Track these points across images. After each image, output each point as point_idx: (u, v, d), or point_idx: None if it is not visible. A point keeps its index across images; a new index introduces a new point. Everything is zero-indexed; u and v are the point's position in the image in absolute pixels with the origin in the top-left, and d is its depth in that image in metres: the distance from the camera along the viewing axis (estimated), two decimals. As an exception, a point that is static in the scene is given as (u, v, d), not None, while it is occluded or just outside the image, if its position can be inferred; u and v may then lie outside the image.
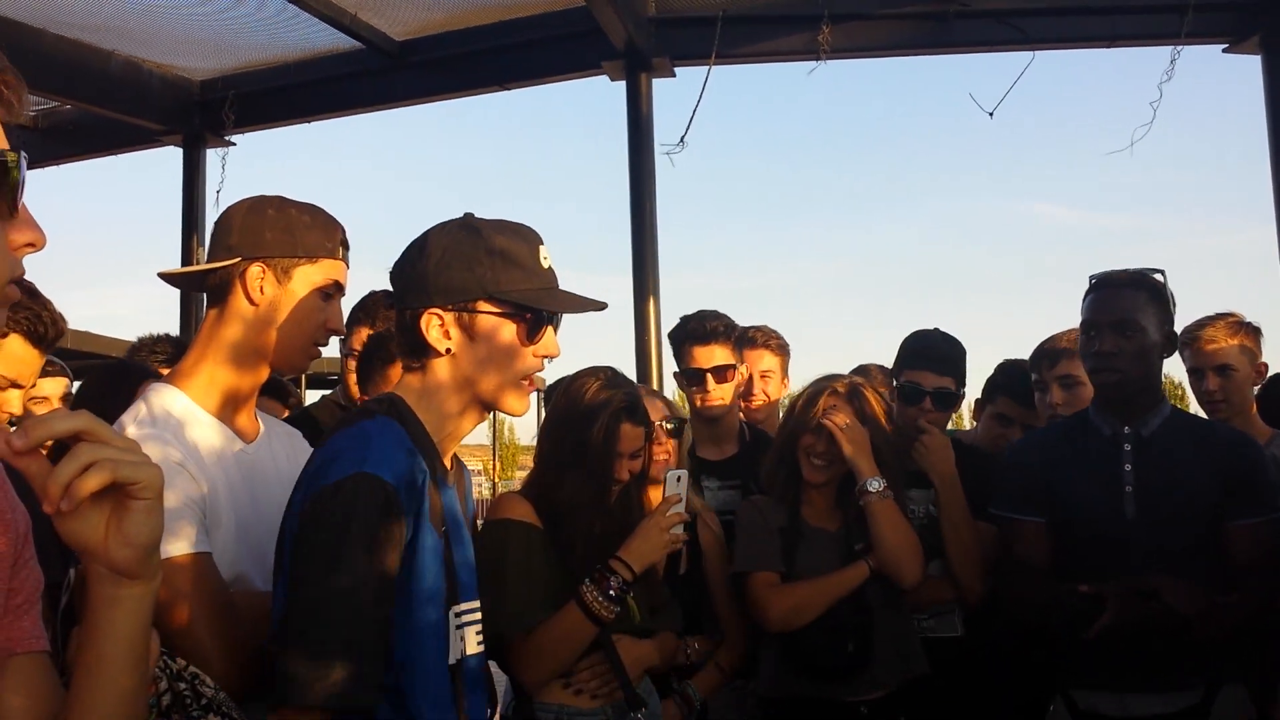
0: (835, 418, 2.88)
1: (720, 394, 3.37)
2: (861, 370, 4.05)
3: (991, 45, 4.93)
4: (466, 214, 1.86)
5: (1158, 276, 2.80)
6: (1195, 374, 3.48)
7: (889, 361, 3.42)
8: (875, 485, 2.84)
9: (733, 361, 3.40)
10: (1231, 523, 2.68)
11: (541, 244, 1.85)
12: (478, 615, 1.88)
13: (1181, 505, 2.69)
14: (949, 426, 3.35)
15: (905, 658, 2.88)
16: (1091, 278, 2.86)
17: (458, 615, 1.81)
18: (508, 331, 1.79)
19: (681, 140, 5.03)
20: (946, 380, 3.16)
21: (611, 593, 2.37)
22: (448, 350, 1.79)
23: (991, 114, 5.13)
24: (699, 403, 3.40)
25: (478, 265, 1.77)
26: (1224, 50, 4.84)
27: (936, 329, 3.29)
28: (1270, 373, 3.58)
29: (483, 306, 1.78)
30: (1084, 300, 2.83)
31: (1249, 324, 3.48)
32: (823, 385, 2.99)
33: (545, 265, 1.83)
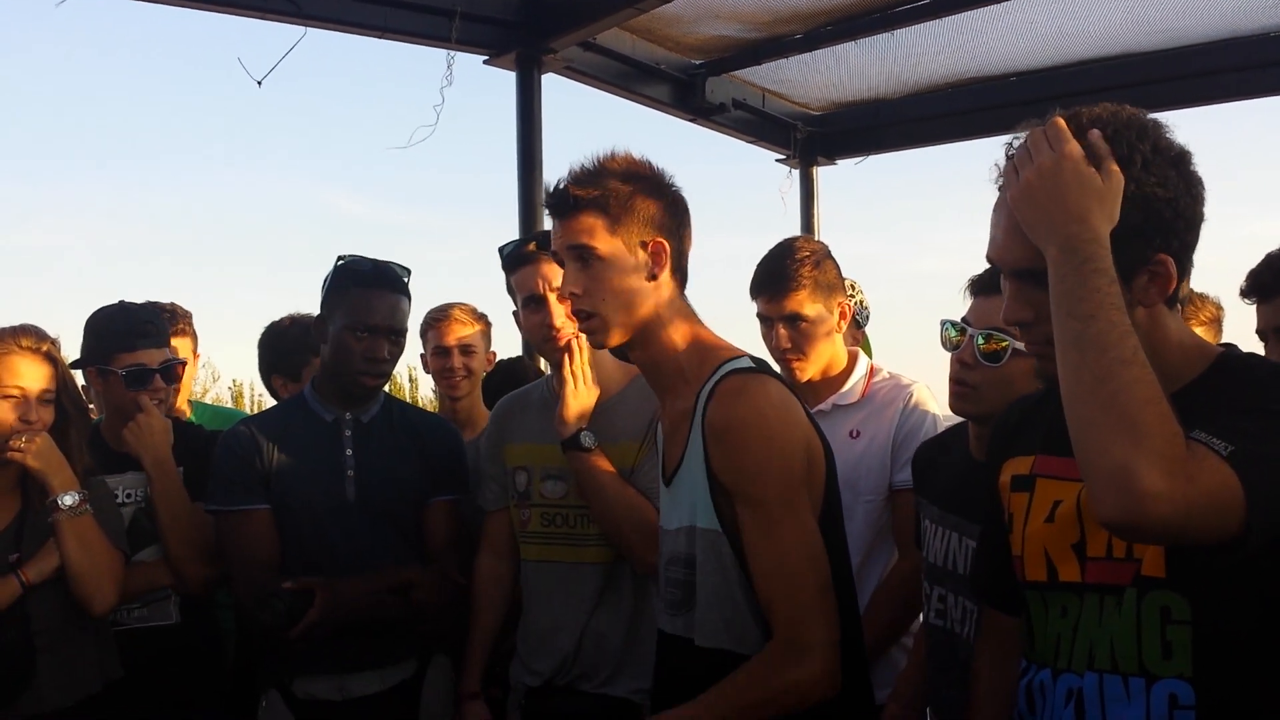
0: (14, 444, 2.50)
1: None
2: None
3: (263, 12, 4.65)
4: None
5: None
6: (440, 352, 3.71)
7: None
8: (69, 500, 2.50)
9: None
10: (429, 501, 2.80)
11: None
12: None
13: (395, 489, 2.75)
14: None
15: (82, 671, 2.58)
16: (343, 259, 2.76)
17: None
18: None
19: None
20: (165, 351, 2.91)
21: None
22: None
23: (260, 83, 4.86)
24: None
25: None
26: (485, 62, 5.10)
27: (145, 302, 3.02)
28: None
29: None
30: (351, 293, 2.74)
31: (484, 314, 3.78)
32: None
33: None
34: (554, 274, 2.51)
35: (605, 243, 1.93)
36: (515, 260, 2.62)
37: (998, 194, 1.57)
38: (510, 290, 2.71)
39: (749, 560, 1.82)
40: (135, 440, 2.80)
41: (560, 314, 2.52)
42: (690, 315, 2.02)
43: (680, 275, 2.02)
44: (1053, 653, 1.60)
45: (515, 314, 2.75)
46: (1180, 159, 1.48)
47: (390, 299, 2.72)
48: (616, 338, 1.98)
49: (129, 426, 2.81)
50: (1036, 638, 1.65)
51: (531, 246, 2.58)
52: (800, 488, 1.82)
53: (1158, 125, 1.50)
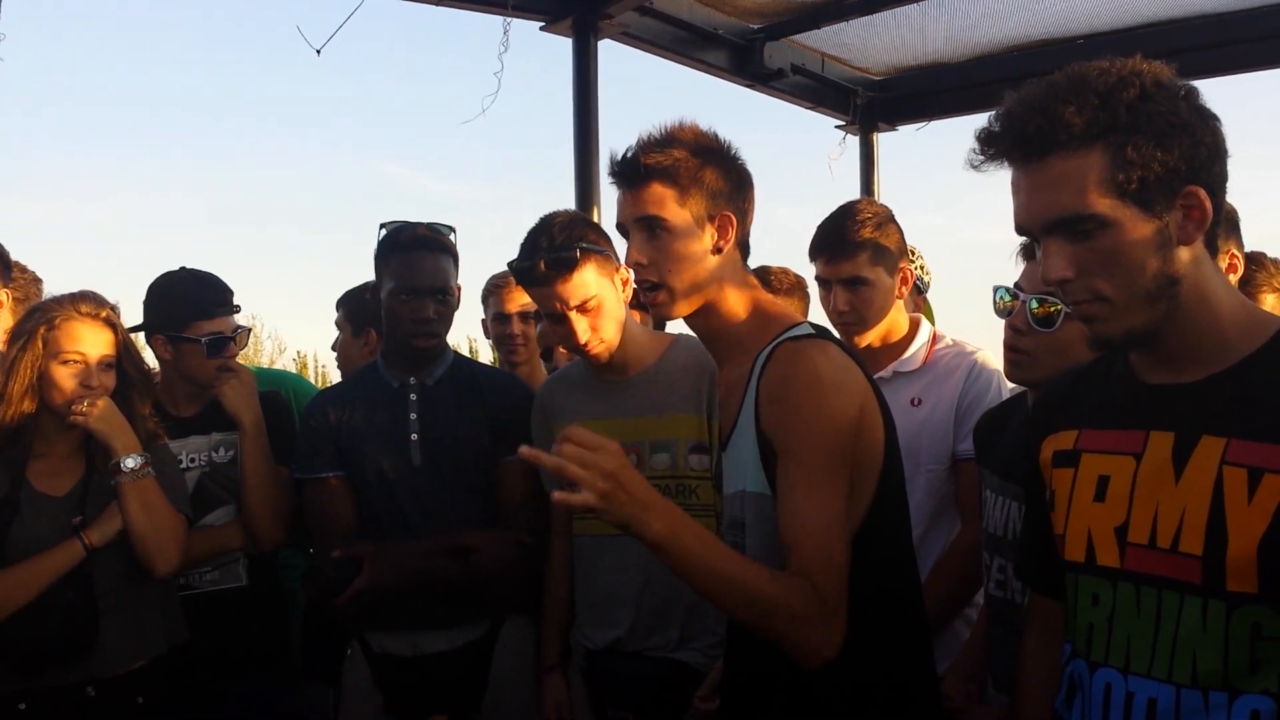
0: (76, 408, 2.53)
1: None
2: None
3: (322, -20, 4.68)
4: None
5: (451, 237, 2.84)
6: (500, 319, 3.74)
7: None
8: (131, 463, 2.54)
9: None
10: (501, 461, 2.77)
11: None
12: None
13: (460, 450, 2.76)
14: None
15: (147, 634, 2.64)
16: (385, 227, 2.79)
17: None
18: None
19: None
20: (234, 319, 2.98)
21: None
22: None
23: (319, 51, 4.88)
24: None
25: None
26: (541, 28, 5.06)
27: (204, 271, 3.02)
28: None
29: None
30: (393, 259, 2.76)
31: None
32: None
33: None
34: (569, 293, 2.48)
35: (674, 214, 1.92)
36: (528, 281, 2.57)
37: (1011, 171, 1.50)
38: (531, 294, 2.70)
39: (780, 513, 1.78)
40: (236, 399, 2.85)
41: (585, 329, 2.51)
42: (752, 285, 2.02)
43: (744, 248, 2.02)
44: (1085, 642, 1.55)
45: (538, 314, 2.73)
46: (1189, 92, 1.43)
47: (431, 259, 2.74)
48: (682, 308, 1.96)
49: (231, 385, 2.86)
50: (1069, 623, 1.60)
51: (542, 266, 2.51)
52: (844, 458, 1.77)
53: (1158, 65, 1.45)
